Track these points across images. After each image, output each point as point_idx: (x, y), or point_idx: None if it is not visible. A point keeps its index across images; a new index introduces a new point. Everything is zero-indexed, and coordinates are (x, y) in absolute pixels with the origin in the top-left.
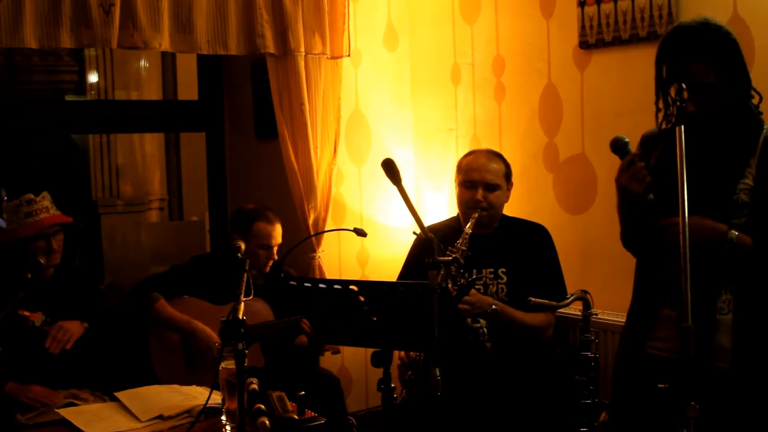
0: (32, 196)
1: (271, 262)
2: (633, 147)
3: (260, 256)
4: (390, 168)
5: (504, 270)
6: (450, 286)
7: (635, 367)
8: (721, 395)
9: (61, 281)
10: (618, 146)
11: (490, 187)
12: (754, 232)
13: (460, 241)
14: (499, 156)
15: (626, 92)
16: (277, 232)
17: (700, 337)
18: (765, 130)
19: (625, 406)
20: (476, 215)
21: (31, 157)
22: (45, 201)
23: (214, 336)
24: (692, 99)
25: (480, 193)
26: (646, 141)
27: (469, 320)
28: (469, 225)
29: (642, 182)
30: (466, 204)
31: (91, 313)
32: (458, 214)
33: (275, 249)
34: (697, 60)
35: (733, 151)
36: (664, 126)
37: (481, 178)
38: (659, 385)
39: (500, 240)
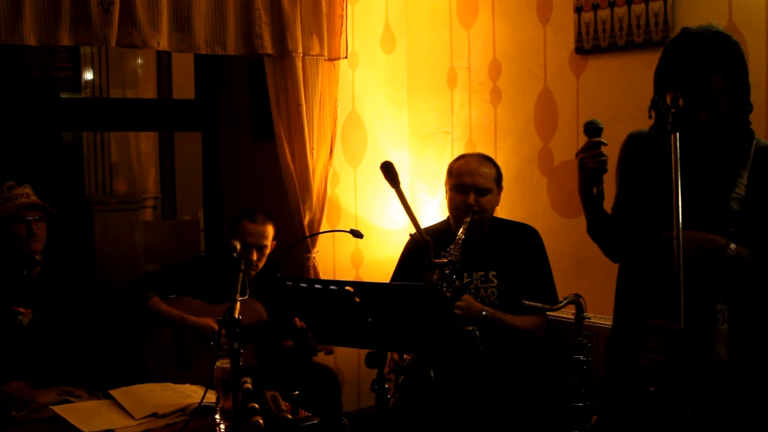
0: (13, 183)
1: (260, 265)
2: (617, 145)
3: (246, 254)
4: (389, 171)
5: (494, 273)
6: (444, 288)
7: (626, 376)
8: (720, 403)
9: (52, 279)
10: (592, 128)
11: (482, 191)
12: (750, 242)
13: (453, 246)
14: (489, 160)
15: (622, 98)
16: (263, 232)
17: (697, 347)
18: (755, 141)
19: (615, 409)
20: (468, 219)
21: (24, 153)
22: (26, 189)
23: (210, 322)
24: (704, 109)
25: (472, 197)
26: (633, 140)
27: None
28: (461, 230)
29: (598, 164)
30: (457, 208)
31: (81, 311)
32: (448, 217)
33: (265, 251)
34: (718, 71)
35: (724, 161)
36: (668, 127)
37: (472, 182)
38: (651, 389)
39: (491, 242)
